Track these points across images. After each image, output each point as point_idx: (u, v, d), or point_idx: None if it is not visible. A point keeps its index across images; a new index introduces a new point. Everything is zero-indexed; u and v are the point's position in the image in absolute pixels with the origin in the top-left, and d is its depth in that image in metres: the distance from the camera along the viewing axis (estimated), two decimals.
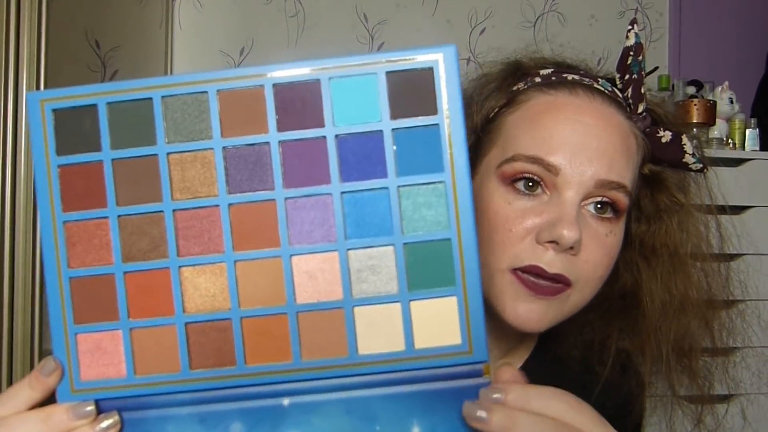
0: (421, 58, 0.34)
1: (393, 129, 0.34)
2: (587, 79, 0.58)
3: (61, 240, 0.36)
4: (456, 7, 2.02)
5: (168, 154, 0.35)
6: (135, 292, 0.36)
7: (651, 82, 1.80)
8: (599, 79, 0.59)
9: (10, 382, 1.09)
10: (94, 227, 0.36)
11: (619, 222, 0.56)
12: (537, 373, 0.54)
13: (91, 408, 0.36)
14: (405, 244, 0.35)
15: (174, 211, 0.36)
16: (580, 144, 0.54)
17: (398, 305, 0.35)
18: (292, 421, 0.36)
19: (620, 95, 0.59)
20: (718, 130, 1.67)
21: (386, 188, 0.34)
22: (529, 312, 0.53)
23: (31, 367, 1.11)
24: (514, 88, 0.60)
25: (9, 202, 1.08)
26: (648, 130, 0.59)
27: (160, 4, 1.85)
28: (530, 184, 0.54)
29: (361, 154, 0.35)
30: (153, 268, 0.36)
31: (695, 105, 1.61)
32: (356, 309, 0.35)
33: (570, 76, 0.59)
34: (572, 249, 0.52)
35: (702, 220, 0.63)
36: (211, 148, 0.35)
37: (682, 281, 0.60)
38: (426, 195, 0.35)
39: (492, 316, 0.54)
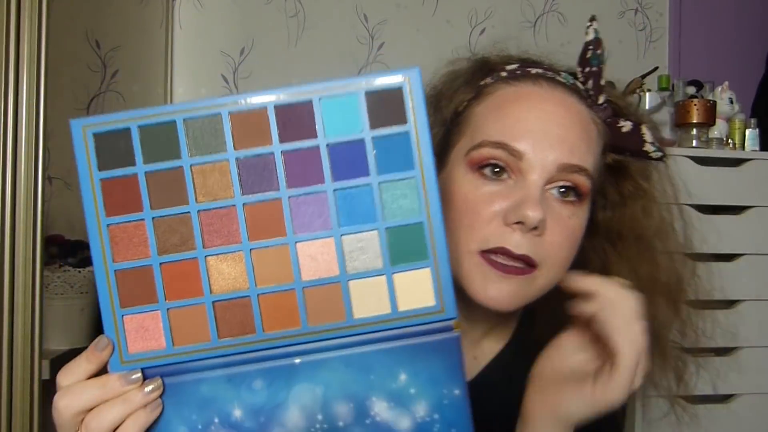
0: (392, 80, 0.43)
1: (372, 137, 0.44)
2: (550, 73, 0.64)
3: (106, 240, 0.44)
4: (456, 7, 2.02)
5: (191, 165, 0.44)
6: (170, 279, 0.45)
7: (651, 82, 1.80)
8: (561, 73, 0.65)
9: (10, 382, 1.09)
10: (133, 228, 0.44)
11: (582, 205, 0.60)
12: (517, 354, 0.66)
13: (138, 375, 0.44)
14: (387, 228, 0.44)
15: (198, 211, 0.44)
16: (542, 130, 0.58)
17: (384, 277, 0.45)
18: (303, 376, 0.45)
19: (582, 87, 0.63)
20: (718, 130, 1.67)
21: (370, 185, 0.44)
22: (498, 292, 0.57)
23: (32, 367, 1.11)
24: (482, 82, 0.65)
25: (9, 202, 1.08)
26: (609, 120, 0.63)
27: (160, 4, 1.84)
28: (496, 169, 0.59)
29: (348, 158, 0.44)
30: (184, 258, 0.45)
31: (695, 105, 1.61)
32: (350, 282, 0.45)
33: (534, 70, 0.64)
34: (537, 229, 0.56)
35: (665, 206, 0.67)
36: (227, 159, 0.44)
37: (648, 264, 0.64)
38: (401, 188, 0.44)
39: (467, 300, 0.59)
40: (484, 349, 0.69)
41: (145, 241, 0.44)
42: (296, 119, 0.43)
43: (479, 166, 0.59)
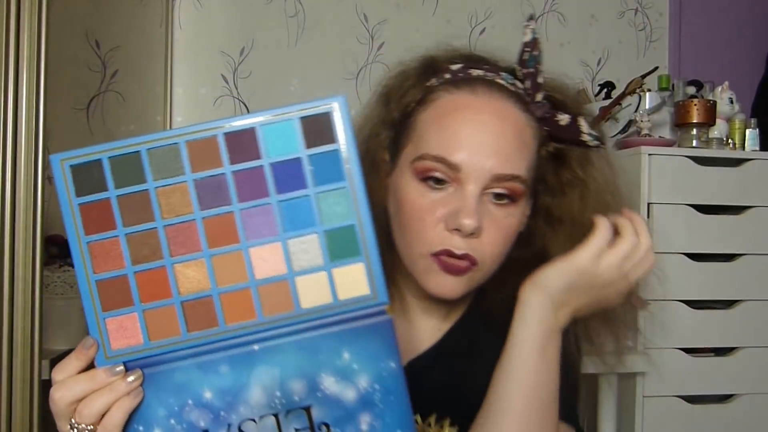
0: (322, 107, 0.51)
1: (308, 155, 0.51)
2: (490, 74, 0.69)
3: (86, 255, 0.52)
4: (456, 7, 2.02)
5: (155, 188, 0.51)
6: (143, 285, 0.52)
7: (651, 82, 1.81)
8: (501, 73, 0.70)
9: (10, 382, 1.09)
10: (109, 244, 0.52)
11: (517, 205, 0.68)
12: (471, 324, 0.76)
13: (121, 368, 0.52)
14: (325, 231, 0.52)
15: (164, 226, 0.52)
16: (478, 143, 0.65)
17: (324, 272, 0.53)
18: (262, 360, 0.53)
19: (519, 86, 0.69)
20: (718, 130, 1.68)
21: (308, 195, 0.52)
22: (445, 286, 0.67)
23: (32, 367, 1.12)
24: (428, 83, 0.70)
25: (9, 202, 1.08)
26: (547, 115, 0.69)
27: (160, 4, 1.85)
28: (437, 181, 0.66)
29: (289, 174, 0.52)
30: (154, 267, 0.52)
31: (695, 105, 1.61)
32: (297, 278, 0.53)
33: (475, 72, 0.69)
34: (474, 234, 0.65)
35: (602, 193, 0.73)
36: (186, 181, 0.51)
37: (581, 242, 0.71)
38: (335, 197, 0.52)
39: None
40: (449, 321, 0.78)
41: (120, 254, 0.52)
42: (243, 144, 0.51)
43: (423, 177, 0.66)
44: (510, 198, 0.66)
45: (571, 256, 0.64)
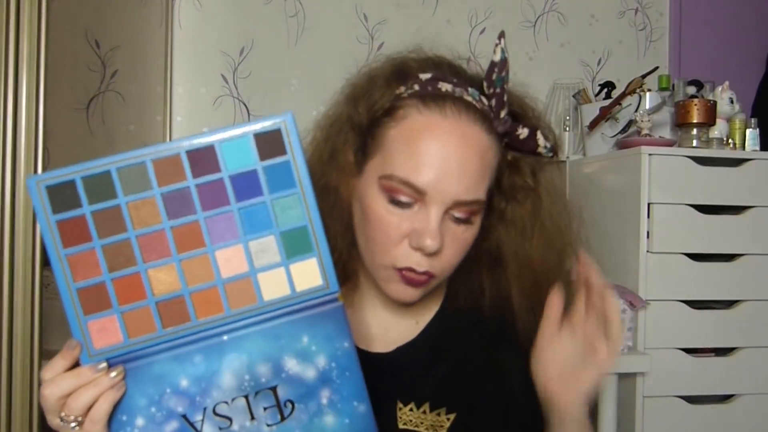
0: (273, 124, 0.57)
1: (263, 167, 0.58)
2: (459, 90, 0.72)
3: (66, 266, 0.57)
4: (456, 7, 2.03)
5: (126, 202, 0.57)
6: (120, 289, 0.58)
7: (651, 82, 1.81)
8: (469, 89, 0.73)
9: (10, 382, 1.10)
10: (86, 255, 0.57)
11: (473, 222, 0.73)
12: (447, 318, 0.83)
13: (104, 365, 0.58)
14: (281, 232, 0.59)
15: (136, 236, 0.58)
16: (444, 169, 0.69)
17: (282, 268, 0.59)
18: (231, 348, 0.59)
19: (485, 103, 0.73)
20: (718, 130, 1.68)
21: (264, 202, 0.58)
22: (404, 294, 0.74)
23: (31, 367, 1.12)
24: (397, 91, 0.73)
25: (9, 202, 1.08)
26: (508, 129, 0.74)
27: (160, 4, 1.85)
28: (402, 202, 0.70)
29: (246, 184, 0.58)
30: (129, 273, 0.58)
31: (695, 105, 1.62)
32: (258, 275, 0.59)
33: (444, 87, 0.72)
34: (435, 253, 0.70)
35: (552, 199, 0.80)
36: (154, 195, 0.57)
37: (531, 245, 0.78)
38: (288, 202, 0.59)
39: None
40: (424, 311, 0.83)
41: (97, 264, 0.57)
42: (204, 160, 0.57)
43: (389, 197, 0.71)
44: (467, 219, 0.72)
45: (608, 355, 0.71)
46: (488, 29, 2.05)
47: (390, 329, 0.81)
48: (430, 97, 0.71)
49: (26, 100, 1.11)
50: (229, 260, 0.59)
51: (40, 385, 1.10)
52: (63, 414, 0.58)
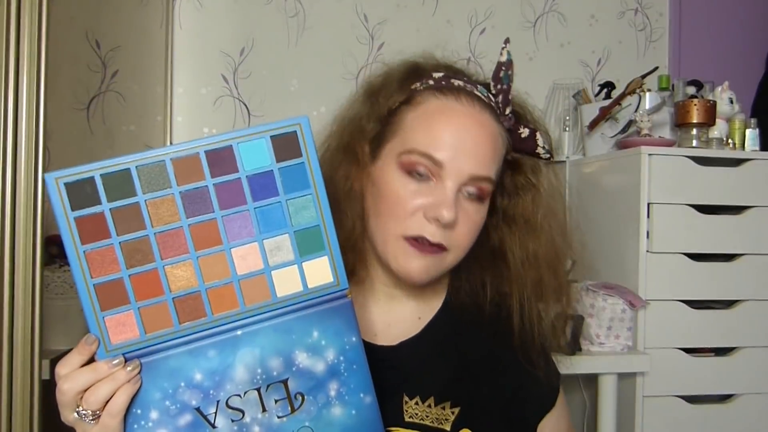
0: (288, 126, 0.59)
1: (278, 168, 0.60)
2: (469, 86, 0.78)
3: (84, 262, 0.57)
4: (456, 7, 2.03)
5: (145, 200, 0.58)
6: (138, 286, 0.59)
7: (651, 82, 1.81)
8: (478, 86, 0.79)
9: (10, 382, 1.10)
10: (104, 251, 0.58)
11: (484, 203, 0.77)
12: (449, 315, 0.84)
13: (120, 359, 0.58)
14: (294, 231, 0.61)
15: (155, 234, 0.59)
16: (460, 146, 0.74)
17: (296, 266, 0.62)
18: (244, 343, 0.61)
19: (493, 100, 0.78)
20: (718, 130, 1.68)
21: (280, 202, 0.60)
22: (414, 266, 0.75)
23: (32, 367, 1.12)
24: (413, 86, 0.79)
25: (9, 202, 1.08)
26: (511, 127, 0.79)
27: (160, 4, 1.85)
28: (421, 174, 0.74)
29: (263, 184, 0.60)
30: (147, 269, 0.59)
31: (695, 105, 1.62)
32: (273, 272, 0.61)
33: (457, 82, 0.78)
34: (449, 225, 0.73)
35: (550, 196, 0.84)
36: (172, 193, 0.58)
37: (533, 241, 0.81)
38: (302, 202, 0.61)
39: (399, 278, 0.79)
40: (426, 308, 0.85)
41: (115, 260, 0.58)
42: (222, 160, 0.59)
43: (408, 169, 0.74)
44: (480, 196, 0.76)
45: None
46: (488, 29, 2.05)
47: (393, 325, 0.82)
48: (446, 87, 0.77)
49: (27, 100, 1.11)
50: (245, 258, 0.60)
51: (41, 378, 1.10)
52: (80, 408, 0.58)
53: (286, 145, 0.59)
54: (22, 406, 1.11)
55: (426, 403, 0.78)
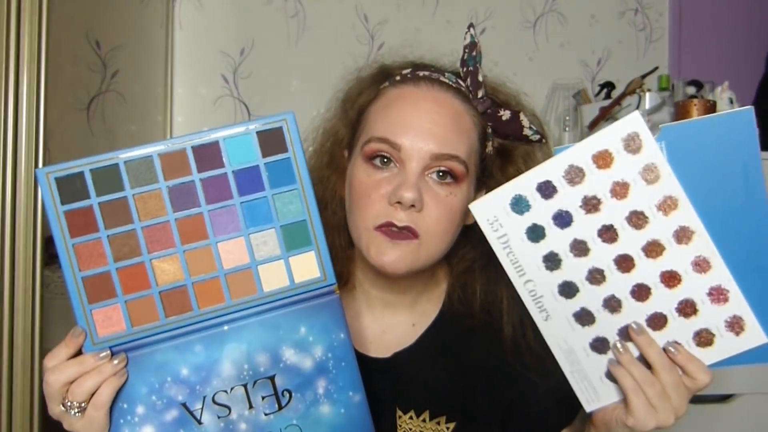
0: (274, 122, 0.60)
1: (264, 163, 0.61)
2: (435, 74, 0.77)
3: (72, 255, 0.59)
4: (456, 7, 2.03)
5: (133, 195, 0.59)
6: (125, 279, 0.60)
7: (651, 82, 1.81)
8: (446, 74, 0.78)
9: (10, 382, 1.10)
10: (93, 245, 0.59)
11: (460, 185, 0.74)
12: (446, 323, 0.83)
13: (107, 352, 0.59)
14: (281, 226, 0.62)
15: (142, 228, 0.60)
16: (418, 126, 0.73)
17: (282, 261, 0.62)
18: (231, 338, 0.61)
19: (462, 84, 0.77)
20: None
21: (266, 196, 0.61)
22: (389, 256, 0.72)
23: (32, 367, 1.12)
24: (381, 87, 0.79)
25: (9, 202, 1.08)
26: (490, 111, 0.77)
27: (161, 4, 1.85)
28: (384, 159, 0.74)
29: (249, 179, 0.60)
30: (134, 263, 0.60)
31: (695, 105, 1.62)
32: (259, 267, 0.62)
33: (422, 73, 0.77)
34: (414, 207, 0.71)
35: None
36: (160, 188, 0.59)
37: None
38: (289, 197, 0.61)
39: (383, 280, 0.79)
40: (422, 315, 0.83)
41: (103, 254, 0.59)
42: (208, 155, 0.60)
43: (370, 158, 0.74)
44: (452, 176, 0.74)
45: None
46: (488, 29, 2.05)
47: (387, 331, 0.81)
48: (409, 78, 0.78)
49: (27, 100, 1.11)
50: (231, 252, 0.61)
51: (41, 378, 1.11)
52: (66, 401, 0.59)
53: (272, 141, 0.60)
54: (22, 406, 1.11)
55: (421, 418, 0.76)
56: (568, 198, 0.62)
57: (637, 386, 0.64)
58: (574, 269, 0.64)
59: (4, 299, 1.10)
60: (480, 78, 0.76)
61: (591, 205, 0.62)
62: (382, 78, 0.80)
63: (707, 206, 0.61)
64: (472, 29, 0.77)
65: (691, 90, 1.85)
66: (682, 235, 0.61)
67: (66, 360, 0.59)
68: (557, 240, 0.63)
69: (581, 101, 1.94)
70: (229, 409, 0.62)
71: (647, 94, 1.77)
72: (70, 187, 0.58)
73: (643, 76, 1.78)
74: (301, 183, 0.61)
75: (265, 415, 0.62)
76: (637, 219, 0.62)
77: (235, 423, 0.62)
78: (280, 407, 0.62)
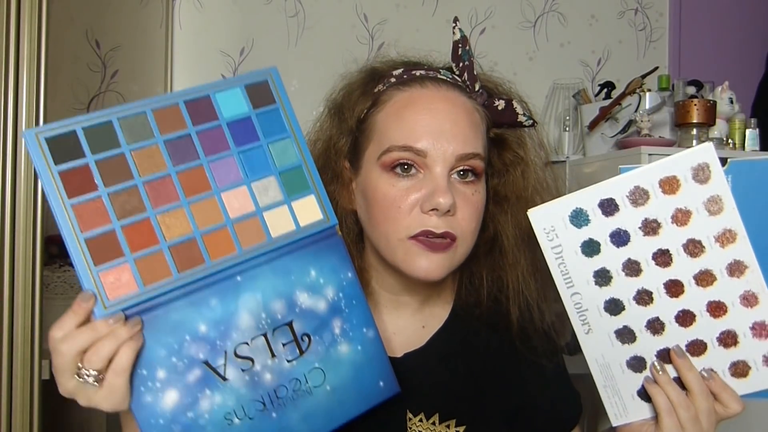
0: (261, 76, 0.64)
1: (256, 114, 0.63)
2: (431, 72, 0.77)
3: (72, 217, 0.56)
4: (456, 7, 2.03)
5: (130, 150, 0.59)
6: (131, 237, 0.58)
7: (651, 82, 1.81)
8: (441, 71, 0.78)
9: (10, 383, 1.10)
10: (93, 204, 0.57)
11: (480, 182, 0.75)
12: (454, 329, 0.82)
13: (120, 315, 0.56)
14: (279, 173, 0.64)
15: (143, 183, 0.59)
16: (438, 128, 0.72)
17: (285, 206, 0.64)
18: (245, 288, 0.61)
19: (459, 80, 0.77)
20: (718, 130, 1.69)
21: (261, 146, 0.63)
22: (429, 265, 0.71)
23: (32, 367, 1.12)
24: (375, 90, 0.78)
25: (9, 202, 1.08)
26: (486, 102, 0.78)
27: (160, 4, 1.86)
28: (405, 167, 0.72)
29: (243, 130, 0.63)
30: (139, 219, 0.58)
31: (695, 105, 1.62)
32: (264, 213, 0.63)
33: (418, 72, 0.77)
34: (449, 212, 0.71)
35: (539, 166, 0.82)
36: (157, 143, 0.60)
37: (526, 216, 0.78)
38: (283, 145, 0.64)
39: (399, 274, 0.76)
40: (431, 317, 0.82)
41: (105, 212, 0.57)
42: (201, 108, 0.61)
43: (391, 167, 0.72)
44: (474, 174, 0.74)
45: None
46: (488, 29, 2.06)
47: (397, 333, 0.80)
48: (408, 79, 0.76)
49: (27, 100, 1.11)
50: (236, 201, 0.62)
51: (41, 378, 1.10)
52: (82, 370, 0.54)
53: (259, 93, 0.63)
54: (22, 406, 1.12)
55: (430, 421, 0.75)
56: (629, 218, 0.63)
57: (671, 407, 0.65)
58: (623, 288, 0.65)
59: (4, 299, 1.10)
60: (475, 71, 0.76)
61: (650, 228, 0.63)
62: (373, 82, 0.78)
63: (764, 244, 0.63)
64: (458, 23, 0.77)
65: (691, 90, 1.86)
66: (735, 268, 0.63)
67: (75, 328, 0.54)
68: (611, 258, 0.64)
69: (581, 101, 1.95)
70: (252, 360, 0.60)
71: (647, 94, 1.78)
72: (63, 147, 0.56)
73: (643, 76, 1.79)
74: (293, 131, 0.64)
75: (288, 362, 0.62)
76: (694, 247, 0.63)
77: (259, 374, 0.60)
78: (301, 352, 0.62)
